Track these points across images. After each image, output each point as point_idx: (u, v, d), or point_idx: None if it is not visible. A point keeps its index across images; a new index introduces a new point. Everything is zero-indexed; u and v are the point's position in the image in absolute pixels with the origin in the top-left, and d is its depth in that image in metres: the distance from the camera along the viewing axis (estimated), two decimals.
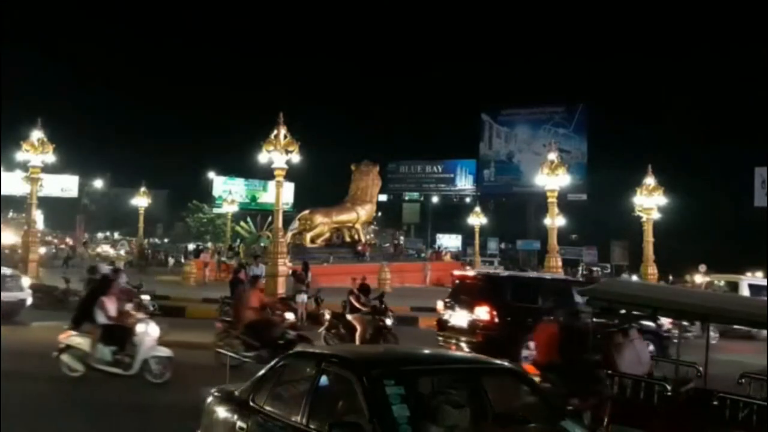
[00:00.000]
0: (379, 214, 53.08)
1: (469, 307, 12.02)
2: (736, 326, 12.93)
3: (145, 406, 8.43)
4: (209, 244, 50.79)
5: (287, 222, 31.62)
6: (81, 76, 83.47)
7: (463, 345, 11.60)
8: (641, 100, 68.39)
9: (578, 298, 12.58)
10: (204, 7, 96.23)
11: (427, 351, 5.85)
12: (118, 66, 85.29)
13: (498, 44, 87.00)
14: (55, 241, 53.13)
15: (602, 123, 59.99)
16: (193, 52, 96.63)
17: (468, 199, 65.07)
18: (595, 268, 44.27)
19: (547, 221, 23.21)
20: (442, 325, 12.84)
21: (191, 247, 46.49)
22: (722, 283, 22.14)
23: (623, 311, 9.89)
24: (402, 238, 58.18)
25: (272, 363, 5.26)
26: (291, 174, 21.48)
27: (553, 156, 22.77)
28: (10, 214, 54.49)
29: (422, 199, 69.54)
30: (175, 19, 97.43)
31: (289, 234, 31.29)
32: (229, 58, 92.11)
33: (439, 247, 54.76)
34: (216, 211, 57.64)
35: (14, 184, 38.28)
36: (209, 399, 5.57)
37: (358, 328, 13.37)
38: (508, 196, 64.76)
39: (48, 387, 9.12)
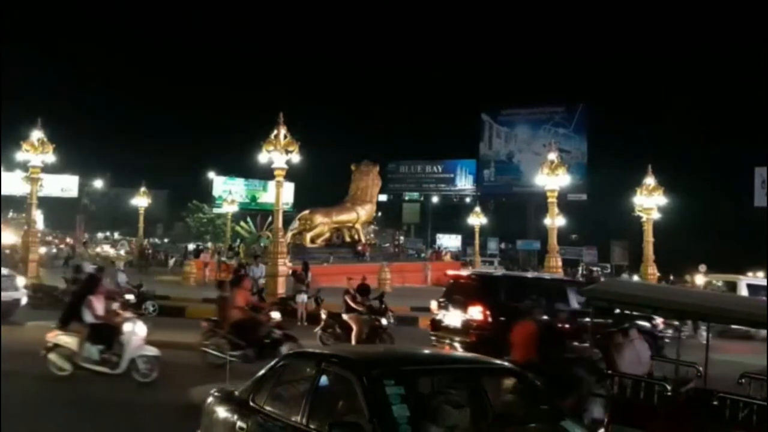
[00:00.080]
0: (379, 214, 53.07)
1: (463, 307, 11.98)
2: (734, 326, 12.96)
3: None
4: (209, 244, 50.76)
5: (287, 222, 31.62)
6: (81, 76, 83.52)
7: (457, 345, 11.57)
8: (641, 100, 68.51)
9: (573, 298, 12.66)
10: (204, 7, 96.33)
11: (427, 351, 5.86)
12: (118, 66, 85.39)
13: (498, 44, 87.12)
14: (56, 241, 53.11)
15: (602, 123, 60.09)
16: (193, 52, 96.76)
17: (468, 199, 65.08)
18: (595, 268, 44.25)
19: (547, 221, 23.21)
20: (436, 325, 12.83)
21: (191, 247, 46.48)
22: (720, 283, 22.14)
23: (617, 311, 9.94)
24: (402, 238, 58.18)
25: (272, 363, 5.26)
26: (291, 174, 21.48)
27: (553, 156, 22.78)
28: (10, 214, 54.47)
29: (422, 199, 69.55)
30: (175, 19, 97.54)
31: (289, 234, 31.29)
32: (229, 58, 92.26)
33: (439, 247, 54.77)
34: (216, 211, 57.63)
35: (14, 184, 38.29)
36: (209, 399, 5.57)
37: (354, 327, 13.39)
38: (508, 196, 64.76)
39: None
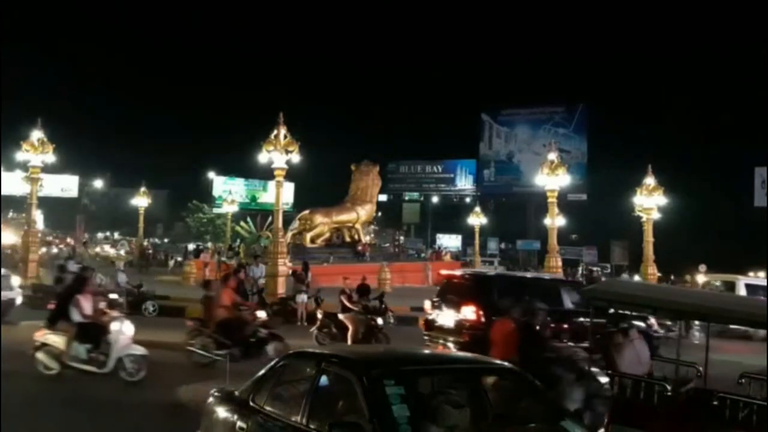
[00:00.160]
0: (379, 214, 53.06)
1: (456, 306, 11.94)
2: (733, 326, 12.98)
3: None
4: (209, 244, 50.76)
5: (287, 222, 31.62)
6: (81, 76, 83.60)
7: (450, 345, 11.51)
8: (641, 100, 68.46)
9: (567, 298, 12.65)
10: (204, 7, 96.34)
11: (427, 351, 5.86)
12: (118, 66, 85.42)
13: (498, 44, 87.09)
14: (56, 241, 53.12)
15: (602, 123, 60.06)
16: (193, 52, 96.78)
17: (468, 199, 65.07)
18: (595, 268, 44.17)
19: (547, 221, 23.23)
20: (429, 324, 12.81)
21: (191, 247, 46.47)
22: (718, 282, 22.15)
23: (612, 311, 9.94)
24: (402, 238, 58.18)
25: (272, 363, 5.26)
26: (291, 174, 21.50)
27: (553, 156, 22.79)
28: (10, 214, 54.50)
29: (422, 199, 69.54)
30: (175, 19, 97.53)
31: (289, 234, 31.29)
32: (229, 58, 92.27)
33: (439, 247, 54.74)
34: (216, 211, 57.63)
35: (14, 184, 38.27)
36: (209, 399, 5.57)
37: (350, 327, 13.41)
38: (508, 196, 64.76)
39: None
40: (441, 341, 11.95)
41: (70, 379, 9.43)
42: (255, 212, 52.75)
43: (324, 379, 4.61)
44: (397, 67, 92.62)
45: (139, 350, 9.63)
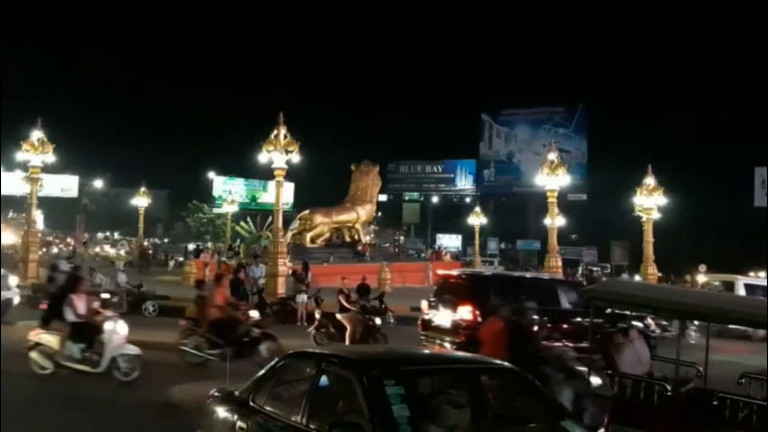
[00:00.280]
0: (379, 214, 53.07)
1: (453, 306, 11.93)
2: (732, 326, 13.00)
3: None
4: (209, 244, 50.80)
5: (287, 222, 31.63)
6: (81, 76, 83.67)
7: (447, 345, 11.49)
8: (641, 100, 68.49)
9: (564, 298, 12.65)
10: (204, 7, 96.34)
11: (427, 351, 5.85)
12: (118, 66, 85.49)
13: (498, 44, 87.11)
14: (56, 241, 53.13)
15: (602, 123, 60.07)
16: (193, 52, 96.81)
17: (468, 199, 65.08)
18: (595, 268, 44.23)
19: (547, 221, 23.24)
20: (426, 324, 12.82)
21: (191, 247, 46.49)
22: (717, 282, 22.16)
23: (609, 311, 9.95)
24: (402, 238, 58.19)
25: (272, 363, 5.26)
26: (291, 174, 21.51)
27: (553, 156, 22.80)
28: (10, 214, 54.53)
29: (422, 199, 69.56)
30: (175, 19, 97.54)
31: (289, 234, 31.28)
32: (229, 58, 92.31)
33: (439, 247, 54.75)
34: (216, 211, 57.64)
35: (14, 184, 38.30)
36: (209, 399, 5.57)
37: (348, 327, 13.41)
38: (508, 196, 64.77)
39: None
40: (438, 341, 11.95)
41: (63, 379, 9.44)
42: (255, 212, 52.76)
43: (324, 379, 4.61)
44: (397, 67, 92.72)
45: (133, 350, 9.65)
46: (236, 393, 5.24)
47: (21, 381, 9.24)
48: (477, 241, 42.96)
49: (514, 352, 7.10)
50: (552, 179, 22.27)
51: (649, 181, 23.21)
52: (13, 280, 16.45)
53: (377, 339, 13.27)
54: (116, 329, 9.60)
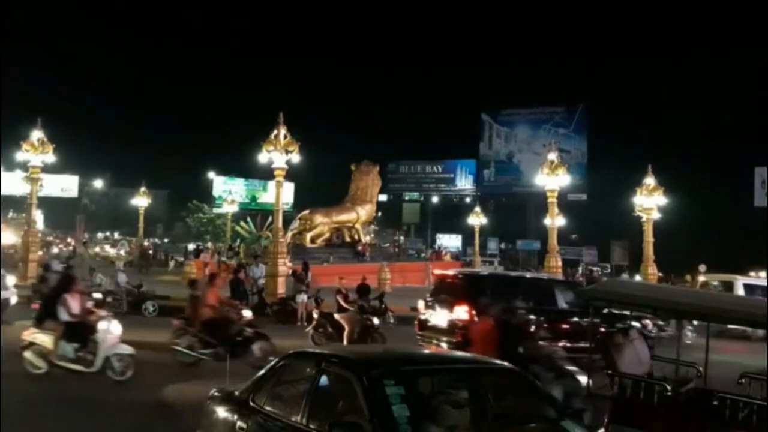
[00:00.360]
0: (379, 214, 53.08)
1: (449, 306, 11.93)
2: (731, 326, 13.00)
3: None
4: (209, 244, 50.80)
5: (287, 222, 31.63)
6: (81, 76, 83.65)
7: (443, 345, 11.48)
8: (641, 100, 68.51)
9: (561, 298, 12.65)
10: (204, 7, 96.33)
11: (427, 351, 5.85)
12: (118, 66, 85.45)
13: (498, 44, 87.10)
14: (56, 241, 53.14)
15: (602, 123, 60.07)
16: (193, 52, 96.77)
17: (468, 199, 65.07)
18: (595, 268, 44.25)
19: (547, 221, 23.24)
20: (422, 324, 12.81)
21: (191, 247, 46.50)
22: (716, 282, 22.16)
23: (606, 311, 9.95)
24: (402, 238, 58.19)
25: (272, 363, 5.26)
26: (291, 174, 21.51)
27: (553, 156, 22.80)
28: (10, 214, 54.52)
29: (422, 199, 69.54)
30: (175, 19, 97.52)
31: (289, 234, 31.29)
32: (229, 58, 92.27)
33: (439, 247, 54.75)
34: (216, 211, 57.64)
35: (14, 184, 38.31)
36: (209, 399, 5.57)
37: (346, 327, 13.42)
38: (508, 196, 64.76)
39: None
40: (434, 341, 11.94)
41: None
42: (255, 212, 52.76)
43: (324, 379, 4.61)
44: (397, 67, 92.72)
45: (127, 349, 9.66)
46: (236, 393, 5.24)
47: (15, 380, 9.24)
48: (477, 241, 42.95)
49: (503, 352, 7.12)
50: (552, 179, 22.26)
51: (649, 181, 23.22)
52: (10, 279, 16.46)
53: (375, 339, 13.28)
54: (110, 329, 9.62)
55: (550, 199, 22.50)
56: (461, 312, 11.55)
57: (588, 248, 54.12)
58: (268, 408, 4.81)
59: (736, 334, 16.13)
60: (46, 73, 71.35)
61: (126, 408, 8.25)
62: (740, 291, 19.88)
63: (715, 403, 6.08)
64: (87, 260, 30.04)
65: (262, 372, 5.20)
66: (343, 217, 34.87)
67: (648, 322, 12.72)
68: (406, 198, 69.94)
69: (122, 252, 47.18)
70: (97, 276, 20.66)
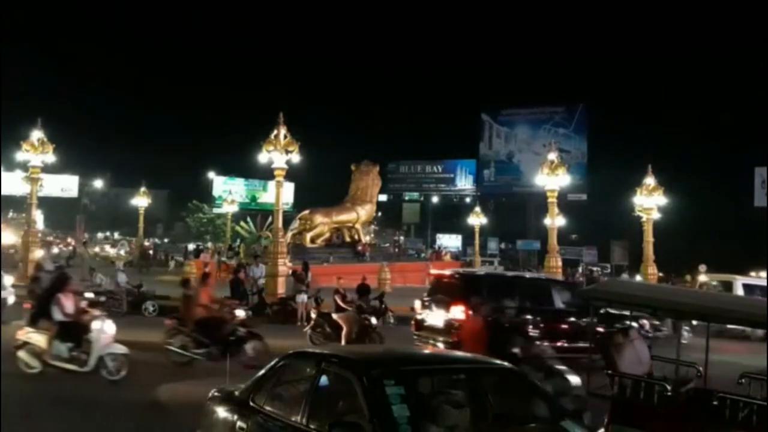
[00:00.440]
0: (379, 214, 53.08)
1: (446, 306, 11.91)
2: (730, 326, 13.00)
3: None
4: (209, 244, 50.79)
5: (287, 222, 31.64)
6: (81, 76, 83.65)
7: (440, 345, 11.48)
8: (641, 100, 68.49)
9: (558, 298, 12.64)
10: (204, 7, 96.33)
11: (426, 351, 5.85)
12: (118, 66, 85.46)
13: (498, 44, 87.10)
14: (56, 241, 53.16)
15: (602, 123, 60.07)
16: (193, 52, 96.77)
17: (468, 199, 65.07)
18: (595, 268, 44.25)
19: (547, 221, 23.23)
20: (419, 324, 12.81)
21: (191, 247, 46.50)
22: (715, 282, 22.15)
23: (603, 311, 9.95)
24: (402, 238, 58.19)
25: (272, 363, 5.26)
26: (291, 174, 21.52)
27: (553, 156, 22.79)
28: (10, 214, 54.51)
29: (422, 199, 69.54)
30: (175, 19, 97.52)
31: (289, 234, 31.29)
32: (229, 58, 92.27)
33: (439, 247, 54.75)
34: (216, 211, 57.64)
35: (14, 184, 38.28)
36: (209, 399, 5.57)
37: (344, 327, 13.43)
38: (508, 196, 64.75)
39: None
40: (431, 341, 11.93)
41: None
42: (255, 212, 52.76)
43: (324, 379, 4.61)
44: (397, 67, 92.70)
45: (121, 349, 9.67)
46: (236, 393, 5.24)
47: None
48: (477, 241, 42.94)
49: (493, 351, 7.12)
50: (552, 179, 22.26)
51: (649, 181, 23.22)
52: (8, 279, 16.46)
53: (373, 339, 13.28)
54: (104, 328, 9.64)
55: (550, 199, 22.49)
56: (458, 312, 11.54)
57: (588, 248, 54.12)
58: (268, 408, 4.81)
59: (735, 334, 16.14)
60: (46, 73, 71.46)
61: (119, 407, 8.26)
62: (739, 291, 19.89)
63: (715, 403, 6.08)
64: (87, 260, 30.10)
65: (262, 372, 5.20)
66: (343, 217, 34.87)
67: (645, 322, 12.74)
68: (406, 198, 69.94)
69: (122, 252, 47.17)
70: (97, 276, 20.66)
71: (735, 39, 69.20)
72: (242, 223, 49.94)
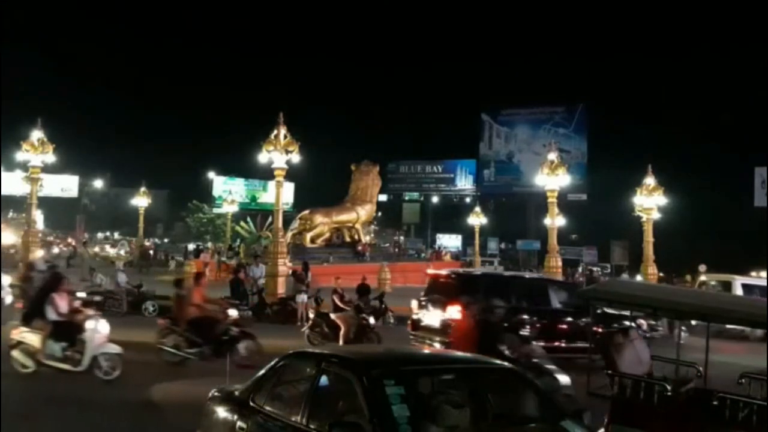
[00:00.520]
0: (379, 214, 53.08)
1: (442, 306, 11.92)
2: (729, 326, 13.01)
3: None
4: (209, 244, 50.81)
5: (287, 222, 31.64)
6: (81, 76, 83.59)
7: (436, 345, 11.47)
8: (641, 100, 68.43)
9: (554, 298, 12.64)
10: (204, 7, 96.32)
11: (426, 351, 5.85)
12: (118, 66, 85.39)
13: (498, 44, 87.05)
14: (57, 241, 53.16)
15: (602, 123, 60.05)
16: (193, 52, 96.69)
17: (468, 199, 65.09)
18: (595, 268, 44.25)
19: (547, 221, 23.23)
20: (415, 324, 12.80)
21: (191, 247, 46.51)
22: (714, 282, 22.15)
23: (600, 311, 9.95)
24: (402, 238, 58.19)
25: (272, 363, 5.26)
26: (291, 174, 21.52)
27: (553, 156, 22.79)
28: (10, 214, 54.50)
29: (422, 199, 69.56)
30: (175, 19, 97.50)
31: (289, 234, 31.31)
32: (229, 58, 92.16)
33: (439, 247, 54.76)
34: (216, 211, 57.66)
35: (14, 184, 38.26)
36: (209, 399, 5.57)
37: (342, 327, 13.43)
38: (508, 196, 64.77)
39: None
40: (427, 341, 11.93)
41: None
42: (255, 212, 52.78)
43: (324, 379, 4.61)
44: (397, 67, 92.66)
45: (114, 348, 9.68)
46: (236, 393, 5.24)
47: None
48: (477, 241, 42.94)
49: (482, 351, 7.12)
50: (552, 179, 22.25)
51: (649, 181, 23.22)
52: (5, 279, 16.46)
53: (371, 339, 13.28)
54: (97, 328, 9.65)
55: (550, 199, 22.49)
56: (454, 312, 11.54)
57: (588, 248, 54.12)
58: (268, 408, 4.81)
59: (734, 335, 16.14)
60: (46, 73, 71.36)
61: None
62: (738, 291, 19.89)
63: (715, 403, 6.08)
64: (87, 260, 30.13)
65: (262, 372, 5.20)
66: (343, 217, 34.88)
67: (642, 321, 12.75)
68: (406, 198, 69.96)
69: (122, 252, 47.18)
70: (98, 276, 20.68)
71: (735, 39, 69.22)
72: (242, 223, 49.94)
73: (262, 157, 19.99)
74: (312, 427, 4.31)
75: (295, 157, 19.87)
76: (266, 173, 24.44)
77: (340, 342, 13.03)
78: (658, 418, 6.22)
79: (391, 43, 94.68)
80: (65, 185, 58.15)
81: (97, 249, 49.95)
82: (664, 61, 72.36)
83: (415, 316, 12.99)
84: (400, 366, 4.74)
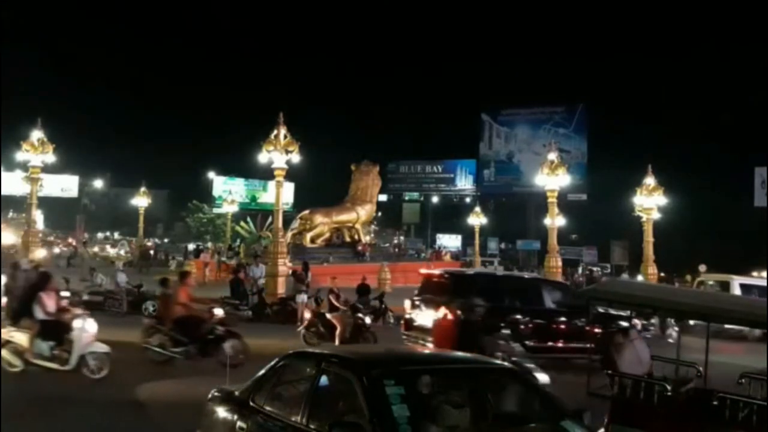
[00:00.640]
0: (379, 214, 53.06)
1: (435, 306, 11.93)
2: (728, 326, 13.00)
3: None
4: (209, 244, 50.81)
5: (287, 222, 31.64)
6: (81, 76, 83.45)
7: (429, 344, 11.37)
8: (641, 100, 68.32)
9: (548, 298, 12.64)
10: (204, 7, 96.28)
11: (427, 351, 5.85)
12: (118, 66, 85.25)
13: (498, 44, 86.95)
14: (57, 241, 53.14)
15: (602, 123, 59.99)
16: (193, 52, 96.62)
17: (468, 199, 65.08)
18: (595, 268, 44.26)
19: (547, 221, 23.24)
20: (408, 324, 12.78)
21: (191, 247, 46.51)
22: (712, 282, 22.15)
23: (598, 311, 9.94)
24: (402, 238, 58.18)
25: (272, 363, 5.26)
26: (291, 174, 21.52)
27: (553, 156, 22.79)
28: (10, 214, 54.47)
29: (422, 199, 69.56)
30: (175, 19, 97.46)
31: (289, 234, 31.30)
32: (229, 58, 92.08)
33: (439, 247, 54.75)
34: (216, 211, 57.67)
35: (14, 184, 38.27)
36: (209, 399, 5.57)
37: (338, 326, 13.43)
38: (508, 196, 64.77)
39: None
40: (420, 341, 11.90)
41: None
42: (255, 212, 52.77)
43: (324, 379, 4.61)
44: (396, 67, 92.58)
45: (102, 348, 9.70)
46: (236, 393, 5.24)
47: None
48: (477, 241, 42.93)
49: (461, 349, 7.12)
50: (552, 179, 22.26)
51: (649, 181, 23.24)
52: (5, 279, 16.43)
53: (366, 338, 13.28)
54: (85, 327, 9.67)
55: (550, 199, 22.49)
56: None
57: (588, 248, 54.13)
58: (268, 408, 4.81)
59: (732, 335, 16.13)
60: (46, 73, 71.27)
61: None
62: (737, 291, 19.89)
63: (715, 403, 6.08)
64: (87, 260, 30.14)
65: (262, 372, 5.20)
66: (343, 217, 34.88)
67: (637, 321, 12.75)
68: (406, 198, 69.96)
69: (122, 252, 47.17)
70: (98, 276, 20.67)
71: (735, 39, 69.18)
72: (242, 223, 49.95)
73: (262, 157, 20.00)
74: (312, 427, 4.31)
75: (295, 157, 19.87)
76: (266, 173, 24.44)
77: (336, 341, 13.02)
78: (658, 418, 6.23)
79: (391, 43, 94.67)
80: (65, 185, 58.13)
81: (97, 249, 49.92)
82: (664, 61, 72.31)
83: (407, 316, 12.98)
84: (400, 366, 4.74)
